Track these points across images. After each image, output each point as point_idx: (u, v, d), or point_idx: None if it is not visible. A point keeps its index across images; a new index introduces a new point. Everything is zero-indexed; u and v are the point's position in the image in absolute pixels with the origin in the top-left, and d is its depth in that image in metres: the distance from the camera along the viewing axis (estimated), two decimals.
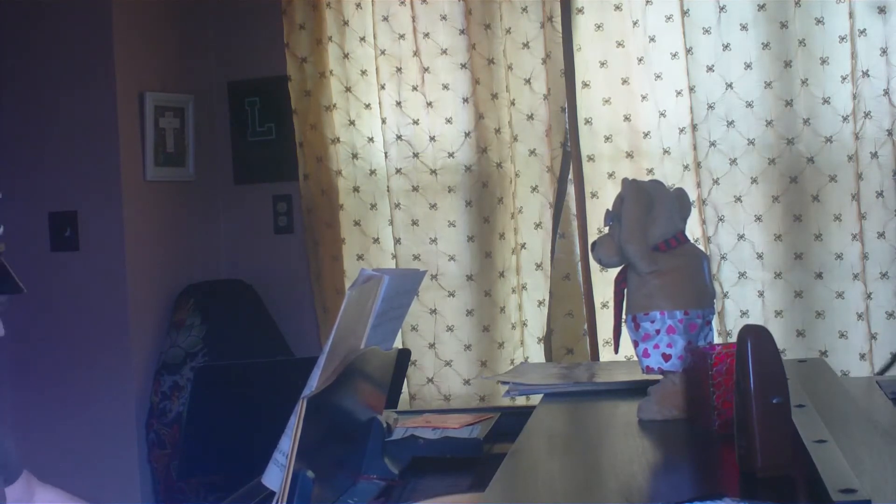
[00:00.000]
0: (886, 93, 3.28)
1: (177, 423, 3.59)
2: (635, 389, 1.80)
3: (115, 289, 3.65)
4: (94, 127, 3.66)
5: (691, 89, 3.43)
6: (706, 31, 3.41)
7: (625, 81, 3.53)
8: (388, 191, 3.71)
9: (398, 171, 3.69)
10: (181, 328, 3.70)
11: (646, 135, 3.52)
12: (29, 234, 3.73)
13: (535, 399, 1.92)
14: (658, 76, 3.49)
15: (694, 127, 3.44)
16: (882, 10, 3.27)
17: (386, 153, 3.70)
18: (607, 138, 3.55)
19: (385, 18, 3.69)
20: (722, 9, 3.40)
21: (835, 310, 3.35)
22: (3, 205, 3.77)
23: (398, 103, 3.68)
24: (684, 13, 3.43)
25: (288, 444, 1.31)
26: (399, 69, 3.68)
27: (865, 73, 3.28)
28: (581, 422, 1.75)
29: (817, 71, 3.34)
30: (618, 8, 3.52)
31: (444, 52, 3.65)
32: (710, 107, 3.42)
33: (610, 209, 1.68)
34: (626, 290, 1.68)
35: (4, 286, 1.51)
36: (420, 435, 1.79)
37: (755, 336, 1.22)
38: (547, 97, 3.58)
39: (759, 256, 3.42)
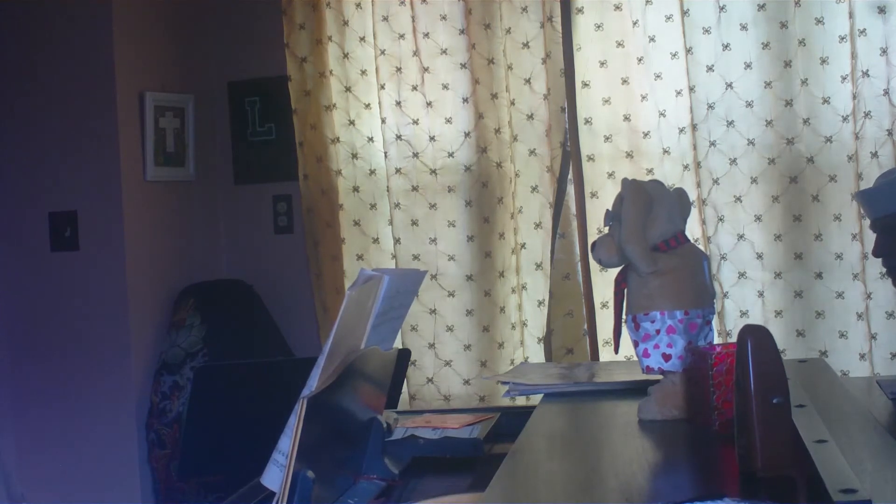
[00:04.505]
0: (886, 93, 3.28)
1: (177, 423, 3.59)
2: (635, 389, 1.80)
3: (115, 289, 3.65)
4: (94, 127, 3.66)
5: (691, 89, 3.43)
6: (706, 31, 3.42)
7: (625, 81, 3.53)
8: (387, 191, 3.71)
9: (398, 170, 3.69)
10: (181, 328, 3.70)
11: (646, 135, 3.52)
12: (29, 234, 3.74)
13: (535, 399, 1.92)
14: (658, 76, 3.49)
15: (694, 127, 3.44)
16: (882, 10, 3.27)
17: (386, 153, 3.70)
18: (607, 138, 3.55)
19: (385, 18, 3.69)
20: (722, 9, 3.40)
21: (835, 310, 3.35)
22: (4, 205, 3.79)
23: (398, 103, 3.68)
24: (684, 13, 3.43)
25: (288, 444, 1.31)
26: (399, 69, 3.68)
27: (865, 73, 3.28)
28: (581, 422, 1.75)
29: (817, 71, 3.34)
30: (618, 8, 3.52)
31: (444, 52, 3.65)
32: (710, 107, 3.42)
33: (610, 209, 1.68)
34: (626, 290, 1.68)
35: None
36: (420, 435, 1.79)
37: (755, 336, 1.22)
38: (547, 97, 3.58)
39: (759, 256, 3.42)
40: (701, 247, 3.27)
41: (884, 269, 3.32)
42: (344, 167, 3.76)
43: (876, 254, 2.36)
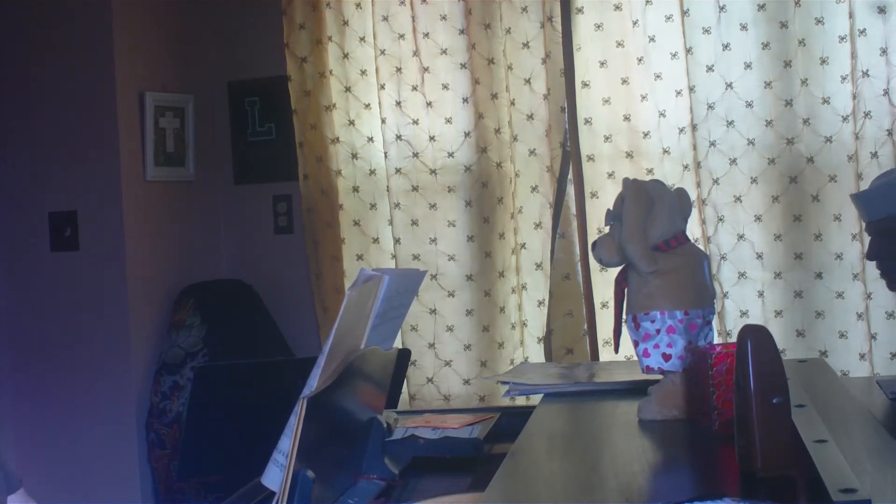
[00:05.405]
0: (886, 93, 3.28)
1: (177, 423, 3.59)
2: (635, 389, 1.80)
3: (115, 289, 3.65)
4: (94, 127, 3.66)
5: (691, 89, 3.43)
6: (706, 31, 3.42)
7: (625, 81, 3.53)
8: (387, 191, 3.71)
9: (398, 170, 3.69)
10: (181, 328, 3.70)
11: (646, 135, 3.52)
12: (29, 234, 3.74)
13: (535, 399, 1.92)
14: (658, 76, 3.49)
15: (694, 127, 3.44)
16: (882, 10, 3.27)
17: (386, 153, 3.70)
18: (607, 138, 3.55)
19: (385, 18, 3.69)
20: (722, 9, 3.40)
21: (835, 310, 3.35)
22: (4, 205, 3.79)
23: (398, 103, 3.68)
24: (684, 13, 3.43)
25: (288, 444, 1.31)
26: (399, 69, 3.68)
27: (865, 73, 3.28)
28: (581, 422, 1.75)
29: (817, 71, 3.34)
30: (618, 8, 3.52)
31: (444, 52, 3.65)
32: (710, 107, 3.42)
33: (610, 209, 1.67)
34: (626, 290, 1.68)
35: None
36: (420, 435, 1.79)
37: (755, 336, 1.22)
38: (547, 97, 3.58)
39: (759, 256, 3.42)
40: (701, 247, 3.27)
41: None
42: (344, 167, 3.76)
43: (870, 257, 2.36)
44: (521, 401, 2.10)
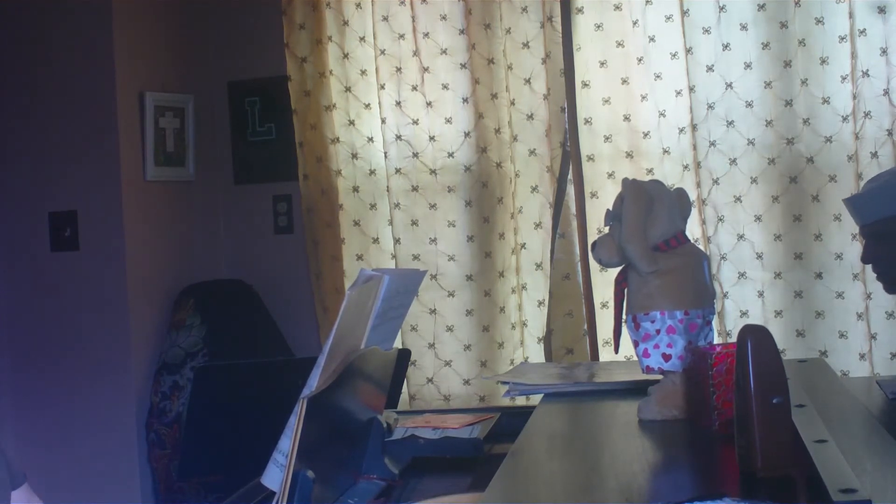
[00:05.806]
0: (886, 93, 3.28)
1: (177, 423, 3.59)
2: (635, 389, 1.80)
3: (115, 289, 3.65)
4: (94, 127, 3.66)
5: (691, 89, 3.43)
6: (706, 31, 3.42)
7: (624, 81, 3.53)
8: (387, 191, 3.71)
9: (398, 170, 3.69)
10: (181, 328, 3.70)
11: (645, 135, 3.52)
12: (29, 234, 3.73)
13: (535, 399, 1.92)
14: (658, 76, 3.49)
15: (694, 127, 3.44)
16: (882, 10, 3.27)
17: (386, 153, 3.70)
18: (607, 138, 3.55)
19: (385, 18, 3.69)
20: (722, 9, 3.40)
21: (835, 310, 3.35)
22: (4, 205, 3.79)
23: (398, 103, 3.68)
24: (684, 13, 3.43)
25: (288, 444, 1.31)
26: (399, 69, 3.68)
27: (865, 73, 3.28)
28: (581, 422, 1.75)
29: (817, 71, 3.34)
30: (618, 8, 3.52)
31: (444, 52, 3.65)
32: (710, 107, 3.42)
33: (610, 209, 1.68)
34: (626, 290, 1.68)
35: None
36: (420, 435, 1.79)
37: (755, 336, 1.22)
38: (547, 97, 3.58)
39: (759, 256, 3.42)
40: (701, 247, 3.28)
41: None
42: (344, 167, 3.76)
43: (865, 260, 2.36)
44: (521, 401, 2.10)
